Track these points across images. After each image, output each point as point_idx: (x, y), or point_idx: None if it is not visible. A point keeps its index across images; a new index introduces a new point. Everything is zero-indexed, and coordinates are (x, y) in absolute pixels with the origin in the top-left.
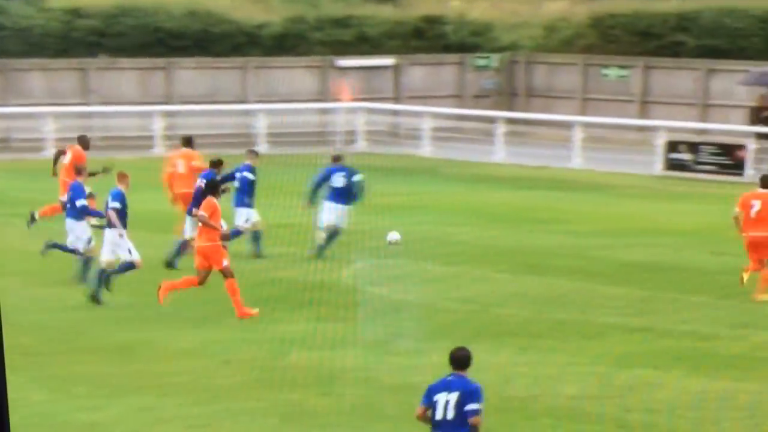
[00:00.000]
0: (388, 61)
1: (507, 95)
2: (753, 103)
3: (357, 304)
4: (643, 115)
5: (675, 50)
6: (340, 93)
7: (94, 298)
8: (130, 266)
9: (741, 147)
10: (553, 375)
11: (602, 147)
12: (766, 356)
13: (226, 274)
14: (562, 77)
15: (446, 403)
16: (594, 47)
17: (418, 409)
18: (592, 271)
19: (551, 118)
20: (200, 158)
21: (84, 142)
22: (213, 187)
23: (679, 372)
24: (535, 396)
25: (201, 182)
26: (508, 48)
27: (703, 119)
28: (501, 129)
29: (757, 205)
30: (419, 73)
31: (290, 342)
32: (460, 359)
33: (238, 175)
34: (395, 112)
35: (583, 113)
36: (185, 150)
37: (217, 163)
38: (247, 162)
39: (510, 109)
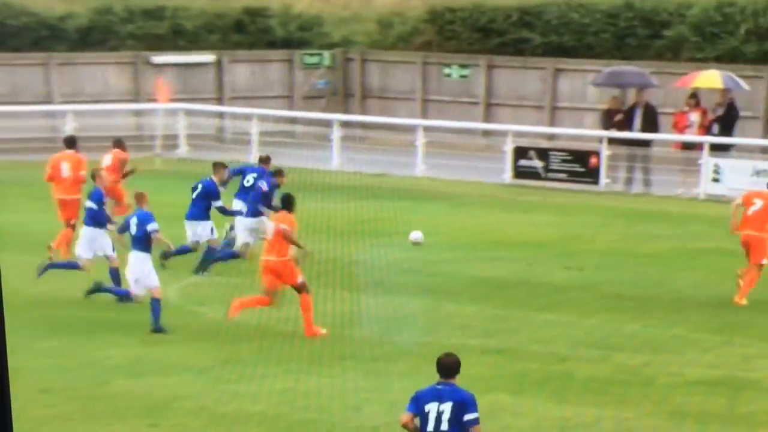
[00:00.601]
0: (207, 57)
1: (341, 96)
2: (605, 106)
3: (184, 326)
4: (488, 118)
5: (519, 48)
6: (156, 92)
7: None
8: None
9: (594, 153)
10: (404, 402)
11: (446, 153)
12: (629, 379)
13: (302, 289)
14: (400, 77)
15: (439, 414)
16: (433, 44)
17: (405, 416)
18: (440, 287)
19: (390, 121)
20: (86, 165)
21: (121, 143)
22: (291, 202)
23: (537, 397)
24: (388, 424)
25: (262, 184)
26: (339, 44)
27: (553, 123)
28: (336, 133)
29: (758, 204)
30: (243, 71)
31: (113, 368)
32: (449, 366)
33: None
34: (219, 114)
35: (424, 116)
36: (69, 152)
37: (265, 160)
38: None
39: (345, 111)
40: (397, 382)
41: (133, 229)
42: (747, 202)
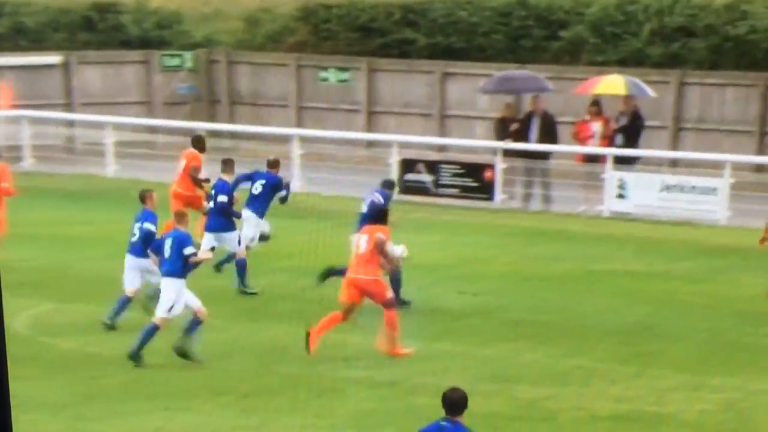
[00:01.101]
0: (53, 58)
1: (207, 102)
2: (498, 114)
3: (35, 358)
4: (371, 127)
5: (403, 50)
6: None
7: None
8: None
9: (489, 167)
10: None
11: (326, 166)
12: (531, 414)
13: (390, 306)
14: (272, 81)
15: None
16: (307, 45)
17: None
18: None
19: (263, 130)
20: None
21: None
22: (385, 214)
23: None
24: None
25: (376, 196)
26: (202, 44)
27: (443, 133)
28: None
29: None
30: (94, 73)
31: None
32: (456, 402)
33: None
34: (69, 123)
35: (300, 125)
36: None
37: (274, 164)
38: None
39: (211, 119)
40: (276, 419)
41: (167, 252)
42: None
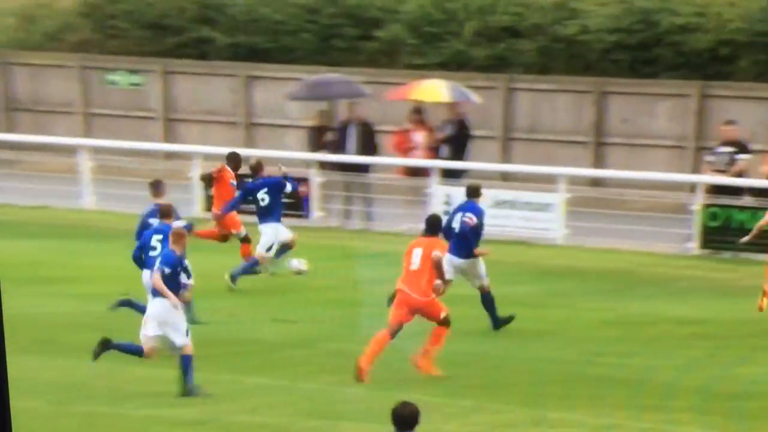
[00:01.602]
0: None
1: None
2: (312, 122)
3: None
4: (169, 137)
5: (202, 50)
6: None
7: None
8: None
9: (303, 180)
10: None
11: (120, 180)
12: None
13: (444, 324)
14: (54, 84)
15: None
16: (92, 44)
17: None
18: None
19: (46, 140)
20: None
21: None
22: (438, 224)
23: None
24: None
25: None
26: None
27: (249, 143)
28: None
29: None
30: None
31: None
32: (407, 418)
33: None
34: None
35: (87, 134)
36: None
37: (258, 167)
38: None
39: None
40: None
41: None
42: None
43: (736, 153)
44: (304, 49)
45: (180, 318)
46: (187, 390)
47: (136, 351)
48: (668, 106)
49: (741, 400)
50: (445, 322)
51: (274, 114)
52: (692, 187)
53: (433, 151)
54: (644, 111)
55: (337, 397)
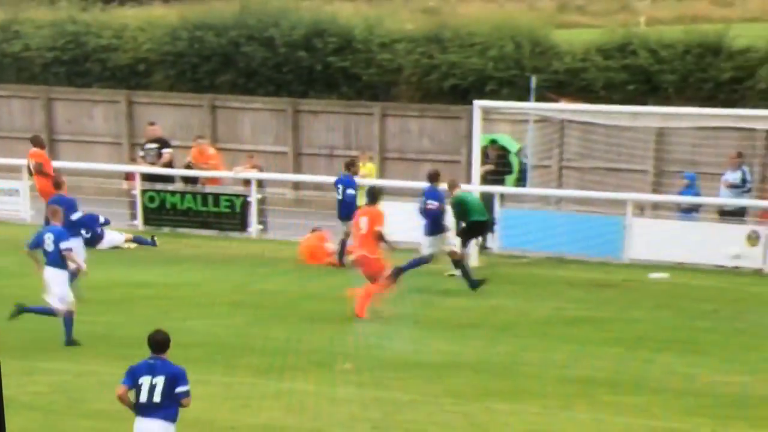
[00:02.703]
0: None
1: None
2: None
3: None
4: None
5: None
6: None
7: None
8: None
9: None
10: None
11: None
12: None
13: (386, 281)
14: None
15: (152, 386)
16: None
17: (120, 388)
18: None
19: None
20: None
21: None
22: (375, 196)
23: None
24: None
25: (432, 205)
26: None
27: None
28: None
29: None
30: None
31: None
32: (160, 342)
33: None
34: None
35: None
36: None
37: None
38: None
39: None
40: None
41: (50, 246)
42: None
43: (161, 148)
44: None
45: (61, 286)
46: (68, 341)
47: (49, 312)
48: (103, 110)
49: (189, 348)
50: (386, 280)
51: None
52: (128, 176)
53: None
54: (84, 114)
55: (328, 397)
